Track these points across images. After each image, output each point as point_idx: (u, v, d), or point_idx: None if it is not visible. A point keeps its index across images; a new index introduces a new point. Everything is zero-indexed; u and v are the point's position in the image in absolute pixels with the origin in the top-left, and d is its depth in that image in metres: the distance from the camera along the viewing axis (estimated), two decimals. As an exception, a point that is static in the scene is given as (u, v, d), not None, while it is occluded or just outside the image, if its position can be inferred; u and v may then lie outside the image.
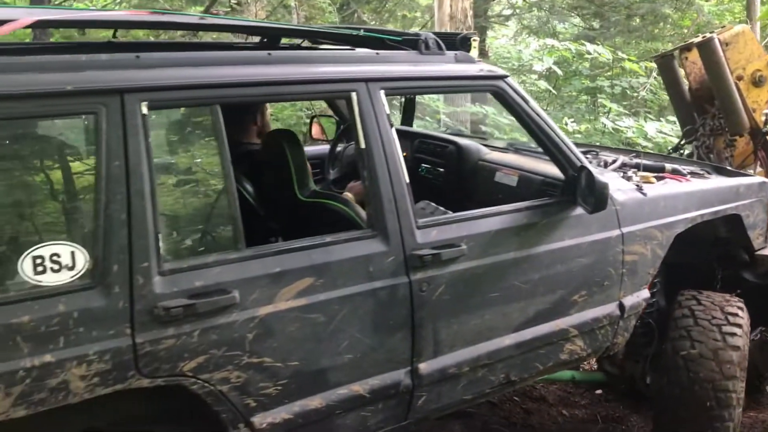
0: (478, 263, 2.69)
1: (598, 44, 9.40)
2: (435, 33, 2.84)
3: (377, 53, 2.65)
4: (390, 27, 11.93)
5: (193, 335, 2.15)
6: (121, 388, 2.08)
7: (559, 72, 9.20)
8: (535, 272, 2.85)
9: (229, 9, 8.94)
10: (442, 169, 3.71)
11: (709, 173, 3.75)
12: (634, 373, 3.86)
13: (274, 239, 2.83)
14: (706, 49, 4.19)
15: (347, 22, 10.93)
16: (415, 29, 9.63)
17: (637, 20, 11.92)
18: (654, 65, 9.04)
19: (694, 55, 4.48)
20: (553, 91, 9.82)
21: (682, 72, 4.68)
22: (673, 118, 8.48)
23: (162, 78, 2.18)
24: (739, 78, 4.29)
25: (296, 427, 2.39)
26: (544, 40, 9.93)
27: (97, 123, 2.05)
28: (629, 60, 9.23)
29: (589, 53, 8.80)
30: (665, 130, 8.01)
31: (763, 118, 4.39)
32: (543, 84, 9.49)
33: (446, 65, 2.77)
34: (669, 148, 5.22)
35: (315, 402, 2.42)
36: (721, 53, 4.16)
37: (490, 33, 13.64)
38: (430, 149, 3.79)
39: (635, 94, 9.76)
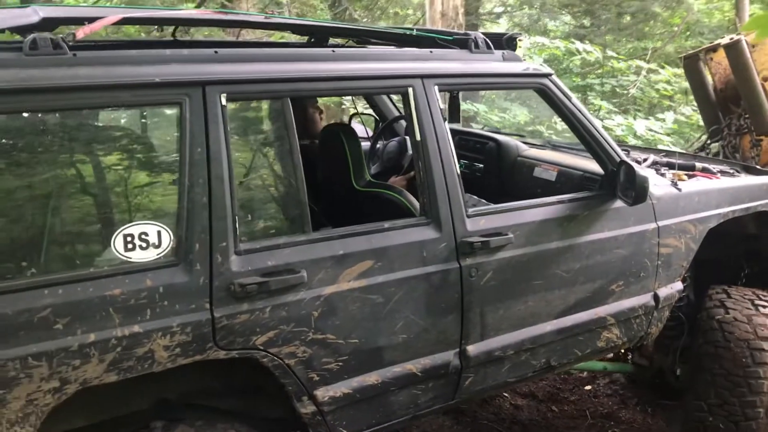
0: (523, 251, 2.84)
1: (587, 42, 9.50)
2: (483, 33, 2.99)
3: (431, 51, 2.81)
4: (382, 24, 12.08)
5: (265, 311, 2.31)
6: (200, 359, 2.24)
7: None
8: (576, 262, 2.99)
9: (219, 5, 9.06)
10: (482, 165, 3.86)
11: (738, 172, 3.88)
12: (663, 365, 3.99)
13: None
14: (734, 50, 4.31)
15: (339, 19, 11.08)
16: (407, 26, 9.77)
17: (627, 18, 12.04)
18: (641, 64, 9.18)
19: (719, 56, 4.61)
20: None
21: (707, 72, 4.79)
22: (662, 116, 8.59)
23: (239, 72, 2.34)
24: (765, 79, 4.41)
25: (354, 402, 2.55)
26: (535, 37, 10.00)
27: (182, 112, 2.22)
28: (617, 58, 9.33)
29: (579, 51, 8.90)
30: (655, 128, 8.06)
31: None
32: None
33: (495, 63, 2.92)
34: (694, 147, 5.32)
35: (372, 378, 2.57)
36: (749, 55, 4.29)
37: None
38: (471, 146, 3.95)
39: (625, 92, 9.82)
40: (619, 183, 3.01)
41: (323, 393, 2.48)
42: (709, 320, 3.51)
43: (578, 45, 8.81)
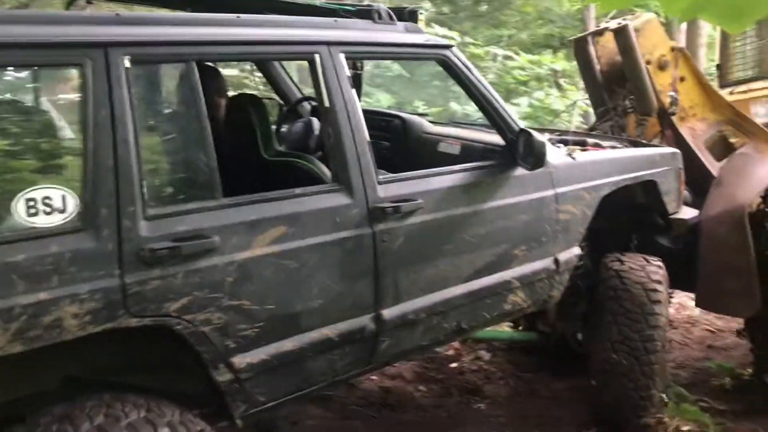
0: (432, 217, 2.92)
1: (447, 29, 9.83)
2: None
3: (336, 20, 2.85)
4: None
5: (178, 277, 2.27)
6: (111, 327, 2.17)
7: None
8: (482, 227, 3.10)
9: None
10: (387, 143, 3.93)
11: (626, 146, 4.12)
12: (565, 331, 4.18)
13: None
14: (621, 35, 4.58)
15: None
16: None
17: (485, 6, 12.52)
18: (497, 50, 9.58)
19: (605, 39, 4.88)
20: (407, 75, 10.09)
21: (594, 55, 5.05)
22: (517, 101, 9.00)
23: (143, 35, 2.30)
24: (648, 62, 4.70)
25: (272, 368, 2.53)
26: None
27: (84, 74, 2.15)
28: (474, 44, 9.71)
29: (439, 37, 9.20)
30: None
31: (668, 100, 4.82)
32: (396, 68, 9.72)
33: (397, 34, 3.00)
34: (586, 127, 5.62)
35: (289, 344, 2.57)
36: (635, 39, 4.56)
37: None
38: (376, 124, 4.00)
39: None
40: (518, 151, 3.15)
41: (240, 360, 2.45)
42: (607, 271, 3.74)
43: (438, 30, 9.04)
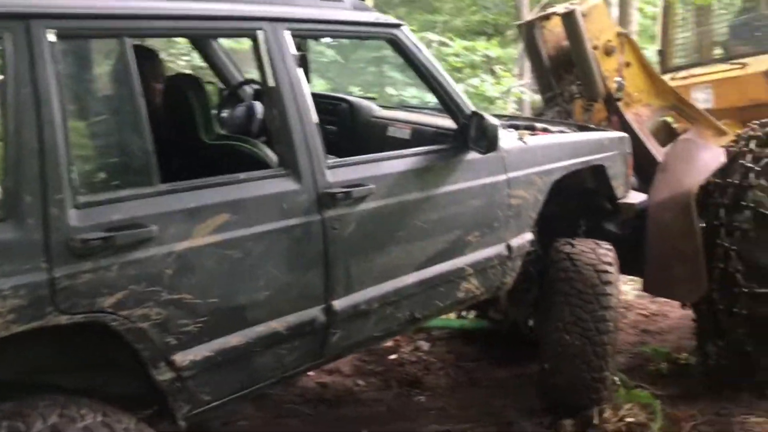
0: (384, 203, 2.80)
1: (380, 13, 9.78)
2: None
3: None
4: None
5: (112, 269, 2.10)
6: (39, 326, 1.99)
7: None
8: (434, 213, 3.00)
9: None
10: (335, 127, 3.79)
11: (575, 131, 4.08)
12: (517, 318, 4.13)
13: None
14: (569, 19, 4.54)
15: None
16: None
17: None
18: (432, 36, 9.57)
19: (552, 24, 4.84)
20: (341, 60, 9.98)
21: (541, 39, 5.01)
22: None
23: (68, 6, 2.11)
24: (594, 48, 4.68)
25: (217, 365, 2.38)
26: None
27: (3, 49, 1.96)
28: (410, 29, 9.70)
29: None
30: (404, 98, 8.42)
31: (615, 86, 4.82)
32: (330, 53, 9.59)
33: (345, 11, 2.86)
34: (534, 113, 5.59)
35: (234, 339, 2.42)
36: (582, 24, 4.53)
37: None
38: (322, 107, 3.85)
39: (401, 62, 10.16)
40: (470, 134, 3.05)
41: (182, 357, 2.29)
42: (557, 254, 3.71)
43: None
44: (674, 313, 5.86)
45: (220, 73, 4.04)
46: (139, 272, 2.15)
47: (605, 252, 3.73)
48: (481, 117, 3.00)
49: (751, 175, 4.06)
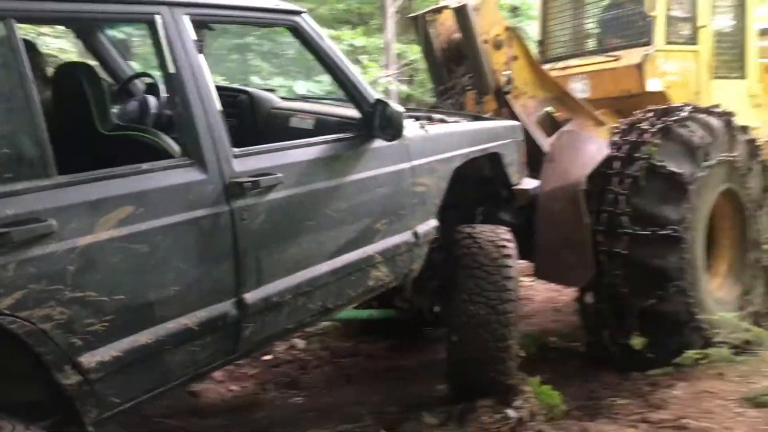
0: (293, 192, 2.76)
1: None
2: None
3: None
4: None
5: (8, 268, 1.94)
6: None
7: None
8: (343, 201, 2.99)
9: None
10: (234, 119, 3.68)
11: (470, 121, 4.18)
12: (422, 305, 4.18)
13: None
14: (461, 13, 4.65)
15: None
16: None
17: None
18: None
19: (443, 17, 4.95)
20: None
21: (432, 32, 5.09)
22: (319, 78, 9.08)
23: None
24: (485, 42, 4.82)
25: (126, 366, 2.25)
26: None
27: None
28: None
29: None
30: (314, 89, 8.44)
31: (504, 79, 4.98)
32: None
33: None
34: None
35: (144, 338, 2.30)
36: (473, 18, 4.65)
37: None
38: (222, 100, 3.74)
39: (284, 53, 10.04)
40: (376, 122, 3.06)
41: (89, 359, 2.15)
42: (460, 235, 3.81)
43: None
44: (538, 296, 6.15)
45: (108, 67, 3.85)
46: (38, 270, 2.00)
47: (503, 231, 3.88)
48: (386, 104, 3.01)
49: (646, 135, 4.53)
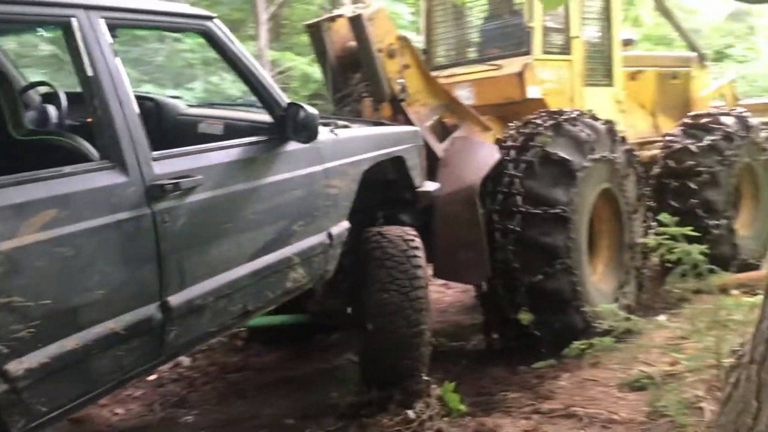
0: (213, 194, 2.78)
1: None
2: None
3: None
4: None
5: None
6: None
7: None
8: (261, 203, 3.03)
9: None
10: None
11: (372, 127, 4.31)
12: (334, 308, 4.26)
13: None
14: (356, 23, 4.77)
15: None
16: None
17: None
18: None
19: (338, 26, 5.06)
20: (61, 54, 9.56)
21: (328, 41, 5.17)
22: (191, 85, 9.00)
23: None
24: (379, 51, 4.98)
25: (53, 372, 2.20)
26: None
27: None
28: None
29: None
30: (187, 96, 8.47)
31: (398, 87, 5.15)
32: (48, 47, 8.93)
33: (159, 1, 2.79)
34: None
35: (71, 343, 2.25)
36: (368, 27, 4.79)
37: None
38: None
39: (152, 61, 9.82)
40: (290, 125, 3.12)
41: (16, 367, 2.08)
42: (369, 234, 3.97)
43: None
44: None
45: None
46: None
47: (409, 229, 4.08)
48: (301, 107, 3.09)
49: (540, 128, 4.97)
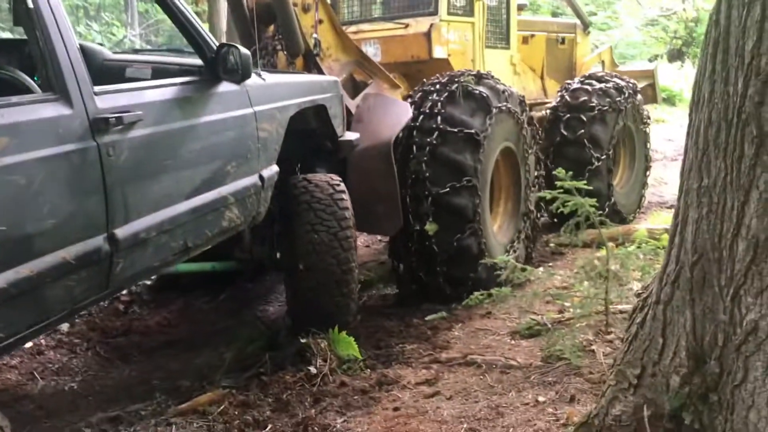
0: (152, 130, 2.84)
1: None
2: None
3: None
4: None
5: None
6: None
7: None
8: (197, 142, 3.11)
9: None
10: None
11: None
12: (262, 254, 4.36)
13: None
14: None
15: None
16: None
17: None
18: None
19: None
20: None
21: None
22: None
23: None
24: (294, 4, 5.03)
25: (9, 299, 2.22)
26: None
27: None
28: None
29: None
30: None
31: (312, 42, 5.24)
32: None
33: None
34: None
35: (26, 270, 2.28)
36: None
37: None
38: None
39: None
40: (222, 65, 3.20)
41: None
42: (295, 180, 4.12)
43: None
44: None
45: None
46: None
47: (333, 175, 4.27)
48: (233, 47, 3.17)
49: (464, 75, 5.29)
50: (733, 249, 2.15)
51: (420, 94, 5.30)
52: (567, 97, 7.00)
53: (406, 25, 6.11)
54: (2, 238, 2.16)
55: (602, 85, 7.02)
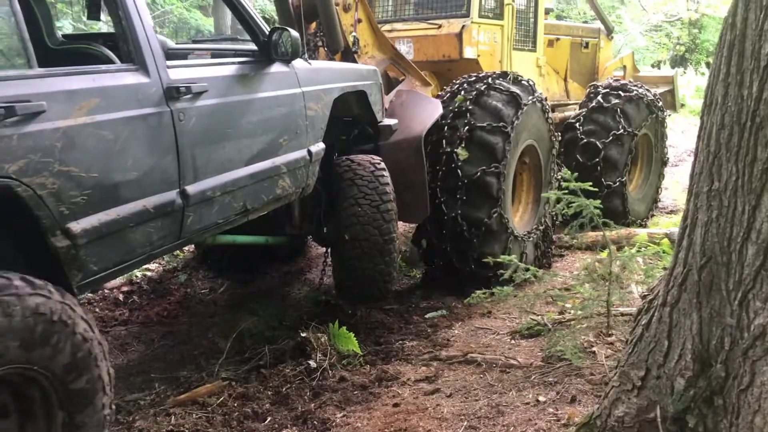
0: (216, 101, 3.20)
1: None
2: None
3: None
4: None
5: (13, 139, 2.21)
6: None
7: None
8: (254, 115, 3.46)
9: None
10: None
11: None
12: (310, 230, 4.74)
13: None
14: None
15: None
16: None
17: None
18: None
19: None
20: None
21: None
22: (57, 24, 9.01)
23: None
24: (336, 4, 5.40)
25: (102, 236, 2.57)
26: None
27: None
28: None
29: None
30: None
31: (352, 39, 5.59)
32: None
33: None
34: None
35: (114, 213, 2.62)
36: None
37: None
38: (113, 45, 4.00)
39: None
40: (274, 47, 3.55)
41: (75, 226, 2.44)
42: (339, 160, 4.51)
43: None
44: (310, 253, 6.27)
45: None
46: (34, 143, 2.28)
47: (374, 156, 4.61)
48: (285, 30, 3.52)
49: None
50: (742, 253, 2.13)
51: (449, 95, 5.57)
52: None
53: (439, 26, 6.42)
54: (94, 183, 2.51)
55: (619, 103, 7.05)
